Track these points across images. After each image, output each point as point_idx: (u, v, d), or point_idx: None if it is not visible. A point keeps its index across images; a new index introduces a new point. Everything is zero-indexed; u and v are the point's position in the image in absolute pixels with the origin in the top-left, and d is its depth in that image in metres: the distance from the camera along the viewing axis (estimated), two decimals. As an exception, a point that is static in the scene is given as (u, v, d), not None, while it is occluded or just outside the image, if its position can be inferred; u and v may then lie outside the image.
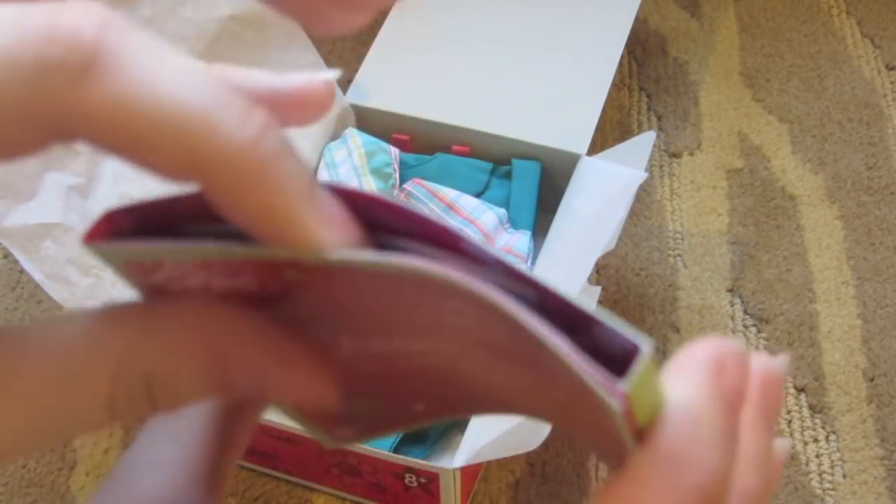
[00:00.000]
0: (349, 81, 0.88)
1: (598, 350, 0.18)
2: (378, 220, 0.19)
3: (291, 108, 0.20)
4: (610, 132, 0.99)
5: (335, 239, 0.18)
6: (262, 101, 0.19)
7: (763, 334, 0.84)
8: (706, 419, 0.19)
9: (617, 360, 0.18)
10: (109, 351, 0.18)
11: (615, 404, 0.18)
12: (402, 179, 0.84)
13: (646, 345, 0.18)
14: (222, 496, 0.24)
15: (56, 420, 0.18)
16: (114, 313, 0.19)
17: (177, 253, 0.19)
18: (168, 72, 0.17)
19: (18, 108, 0.16)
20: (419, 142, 0.87)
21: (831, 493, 0.76)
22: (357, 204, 0.19)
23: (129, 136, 0.17)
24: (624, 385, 0.18)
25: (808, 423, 0.79)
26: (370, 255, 0.18)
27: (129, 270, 0.20)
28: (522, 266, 0.19)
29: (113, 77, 0.16)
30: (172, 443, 0.23)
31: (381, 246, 0.19)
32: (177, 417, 0.23)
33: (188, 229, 0.19)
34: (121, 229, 0.19)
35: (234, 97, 0.17)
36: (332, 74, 0.20)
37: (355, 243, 0.19)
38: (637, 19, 0.94)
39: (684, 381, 0.20)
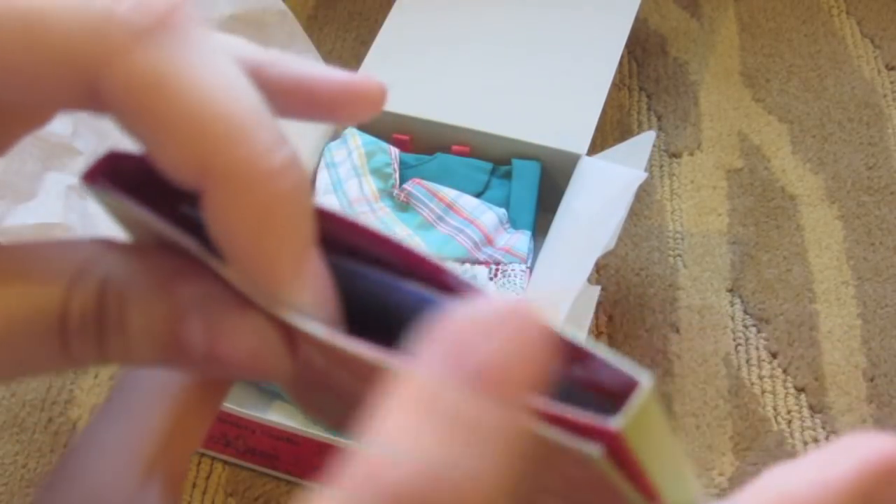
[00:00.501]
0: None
1: (601, 386, 0.17)
2: (366, 249, 0.19)
3: (344, 101, 0.20)
4: (610, 132, 0.99)
5: (309, 305, 0.18)
6: (315, 89, 0.19)
7: (763, 334, 0.84)
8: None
9: (618, 396, 0.16)
10: (73, 256, 0.18)
11: (593, 450, 0.15)
12: (402, 179, 0.84)
13: (645, 378, 0.16)
14: (174, 490, 0.21)
15: (7, 324, 0.17)
16: (87, 237, 0.19)
17: (160, 229, 0.19)
18: (220, 71, 0.17)
19: (70, 47, 0.16)
20: (419, 142, 0.87)
21: (831, 493, 0.76)
22: (348, 231, 0.19)
23: (157, 115, 0.16)
24: (616, 422, 0.15)
25: (809, 423, 0.79)
26: (328, 334, 0.17)
27: (121, 219, 0.20)
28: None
29: (166, 52, 0.16)
30: (119, 422, 0.21)
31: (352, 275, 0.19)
32: (131, 394, 0.21)
33: (185, 208, 0.19)
34: (121, 172, 0.19)
35: (273, 123, 0.17)
36: (386, 82, 0.20)
37: (330, 318, 0.18)
38: (637, 19, 0.94)
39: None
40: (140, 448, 0.20)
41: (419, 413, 0.14)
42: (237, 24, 0.80)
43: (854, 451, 0.17)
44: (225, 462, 0.77)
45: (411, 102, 0.86)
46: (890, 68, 1.04)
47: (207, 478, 0.77)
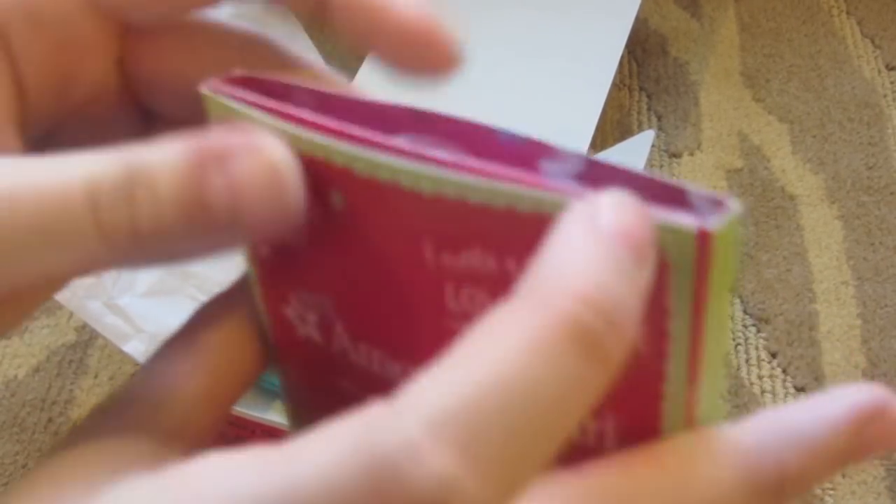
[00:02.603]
0: (349, 82, 0.89)
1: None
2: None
3: (409, 44, 0.23)
4: (610, 132, 0.99)
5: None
6: (377, 15, 0.22)
7: (763, 334, 0.84)
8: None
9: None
10: (78, 171, 0.19)
11: (690, 226, 0.16)
12: (403, 179, 0.84)
13: (735, 203, 0.17)
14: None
15: (39, 199, 0.19)
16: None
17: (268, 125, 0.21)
18: None
19: None
20: (419, 142, 0.87)
21: (831, 492, 0.76)
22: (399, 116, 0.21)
23: None
24: (713, 222, 0.15)
25: (808, 423, 0.79)
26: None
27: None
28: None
29: None
30: (158, 378, 0.22)
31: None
32: (168, 357, 0.22)
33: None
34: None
35: None
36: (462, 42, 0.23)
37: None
38: (637, 19, 0.94)
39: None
40: (173, 405, 0.21)
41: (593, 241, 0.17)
42: (239, 22, 0.79)
43: (842, 398, 0.20)
44: (225, 462, 0.77)
45: (411, 102, 0.86)
46: (890, 68, 1.04)
47: (207, 477, 0.77)
